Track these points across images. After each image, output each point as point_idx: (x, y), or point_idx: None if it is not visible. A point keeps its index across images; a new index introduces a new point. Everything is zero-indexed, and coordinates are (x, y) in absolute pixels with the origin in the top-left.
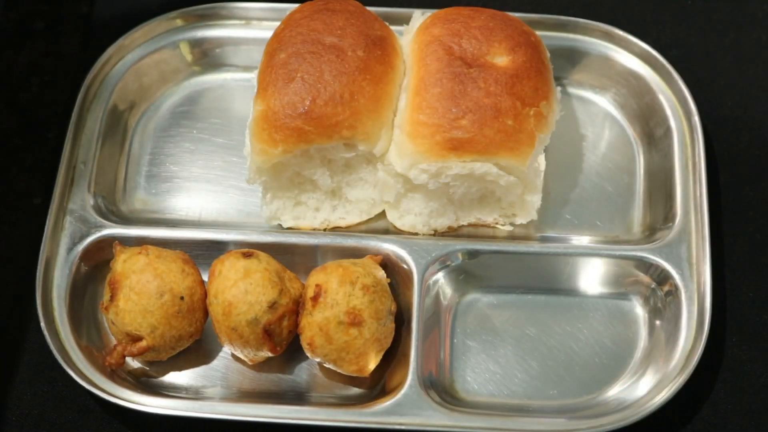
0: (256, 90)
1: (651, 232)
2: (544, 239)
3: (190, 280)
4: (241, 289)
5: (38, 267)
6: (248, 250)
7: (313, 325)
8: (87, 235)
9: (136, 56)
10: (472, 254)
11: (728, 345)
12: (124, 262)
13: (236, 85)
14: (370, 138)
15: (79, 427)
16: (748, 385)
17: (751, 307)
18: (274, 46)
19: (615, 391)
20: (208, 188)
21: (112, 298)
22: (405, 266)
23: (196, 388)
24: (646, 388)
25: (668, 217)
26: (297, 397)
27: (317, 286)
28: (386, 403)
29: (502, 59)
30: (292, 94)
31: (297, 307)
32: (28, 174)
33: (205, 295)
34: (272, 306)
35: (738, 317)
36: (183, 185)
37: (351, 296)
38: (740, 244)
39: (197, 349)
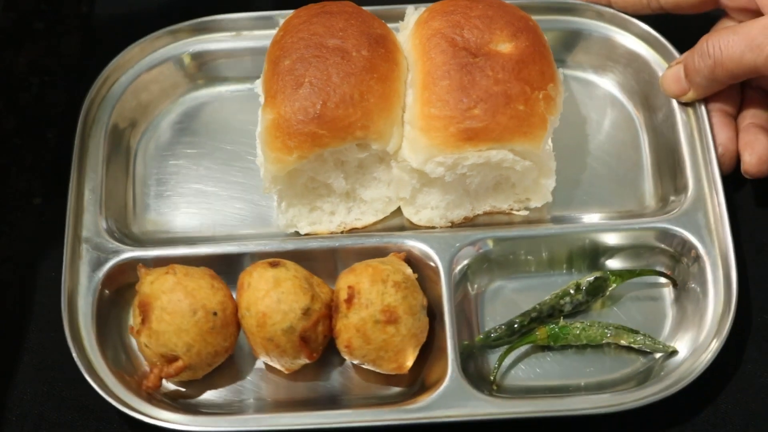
0: (262, 99)
1: (664, 203)
2: (559, 220)
3: (220, 295)
4: (273, 299)
5: (62, 299)
6: (274, 259)
7: (349, 327)
8: (105, 261)
9: (132, 75)
10: (495, 242)
11: (729, 345)
12: (151, 284)
13: (232, 97)
14: (382, 136)
15: (79, 427)
16: (748, 384)
17: (750, 307)
18: (277, 53)
19: (650, 364)
20: (216, 202)
21: (143, 321)
22: (430, 261)
23: (233, 403)
24: (681, 357)
25: (679, 187)
26: (335, 401)
27: (350, 287)
28: (430, 397)
29: (505, 46)
30: (303, 99)
31: (329, 311)
32: (28, 174)
33: (236, 308)
34: (306, 312)
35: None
36: (191, 202)
37: (384, 294)
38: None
39: (230, 364)
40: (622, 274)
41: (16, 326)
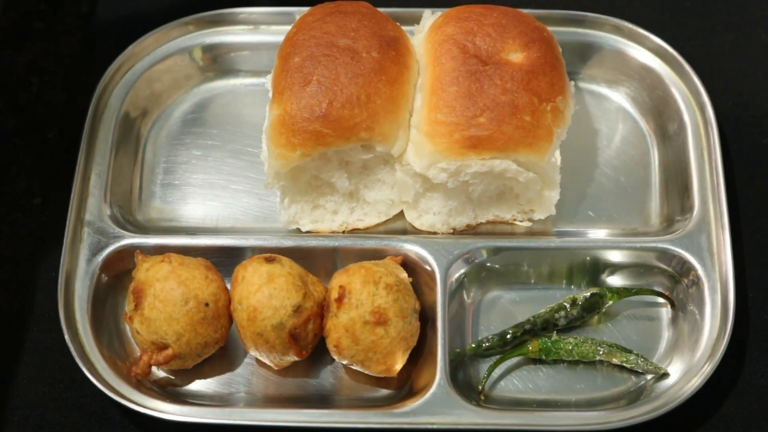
0: (270, 95)
1: (669, 223)
2: (562, 234)
3: (214, 286)
4: (265, 294)
5: (59, 280)
6: (270, 254)
7: (339, 326)
8: (106, 245)
9: (146, 64)
10: (494, 251)
11: (728, 347)
12: (146, 271)
13: (246, 90)
14: (387, 139)
15: (81, 428)
16: (748, 385)
17: (750, 308)
18: (288, 50)
19: (641, 384)
20: (223, 195)
21: (136, 307)
22: (427, 266)
23: (222, 395)
24: (672, 379)
25: (685, 207)
26: (324, 400)
27: (341, 287)
28: (416, 402)
29: (516, 56)
30: (309, 97)
31: (321, 310)
32: (28, 174)
33: (229, 301)
34: (297, 310)
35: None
36: (198, 192)
37: (375, 296)
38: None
39: (221, 356)
40: (619, 292)
41: (16, 326)
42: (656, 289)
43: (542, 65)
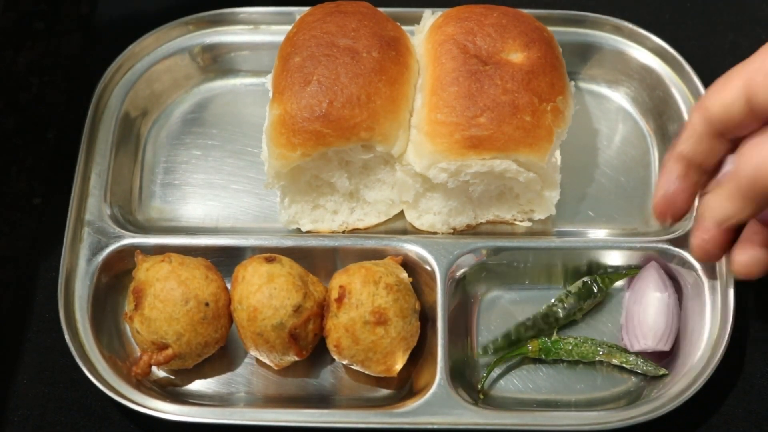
0: (271, 94)
1: None
2: (562, 234)
3: (214, 286)
4: (265, 294)
5: (59, 279)
6: (270, 254)
7: (339, 326)
8: (106, 245)
9: (146, 64)
10: (494, 251)
11: (729, 348)
12: (147, 271)
13: (246, 90)
14: (387, 139)
15: (81, 428)
16: (749, 386)
17: (750, 308)
18: (288, 49)
19: (641, 384)
20: (223, 195)
21: (136, 307)
22: (427, 266)
23: (222, 395)
24: (673, 379)
25: None
26: (324, 400)
27: (341, 287)
28: (416, 402)
29: (516, 56)
30: (309, 97)
31: (321, 310)
32: (28, 174)
33: (229, 301)
34: (297, 310)
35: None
36: (198, 192)
37: (375, 296)
38: None
39: (221, 356)
40: (610, 277)
41: (16, 326)
42: None
43: (542, 65)
